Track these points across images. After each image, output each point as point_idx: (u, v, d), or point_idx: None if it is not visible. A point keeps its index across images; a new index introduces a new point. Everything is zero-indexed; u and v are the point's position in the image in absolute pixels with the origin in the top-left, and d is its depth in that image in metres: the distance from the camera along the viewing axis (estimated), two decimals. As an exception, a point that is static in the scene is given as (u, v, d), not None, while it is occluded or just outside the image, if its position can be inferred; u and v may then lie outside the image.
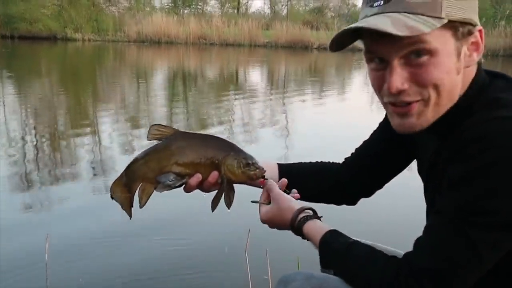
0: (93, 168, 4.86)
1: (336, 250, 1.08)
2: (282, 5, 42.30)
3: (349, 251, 1.06)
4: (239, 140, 6.31)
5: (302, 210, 1.17)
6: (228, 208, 1.22)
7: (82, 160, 5.15)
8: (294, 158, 5.39)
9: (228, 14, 37.92)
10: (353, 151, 1.46)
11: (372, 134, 1.39)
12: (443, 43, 0.93)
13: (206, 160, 1.20)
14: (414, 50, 0.93)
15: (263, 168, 1.22)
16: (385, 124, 1.34)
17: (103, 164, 5.05)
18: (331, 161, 1.49)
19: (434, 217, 0.99)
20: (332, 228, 1.13)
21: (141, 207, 1.26)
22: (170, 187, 1.21)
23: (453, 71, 0.96)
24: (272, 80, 15.54)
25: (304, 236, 1.17)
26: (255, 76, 16.61)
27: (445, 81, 0.96)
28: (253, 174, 1.20)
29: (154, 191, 1.24)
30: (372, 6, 0.96)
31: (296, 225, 1.16)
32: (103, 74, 15.36)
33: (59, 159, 5.25)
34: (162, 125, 1.24)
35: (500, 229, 0.92)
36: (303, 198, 1.25)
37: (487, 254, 0.93)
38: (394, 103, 0.99)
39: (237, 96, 10.84)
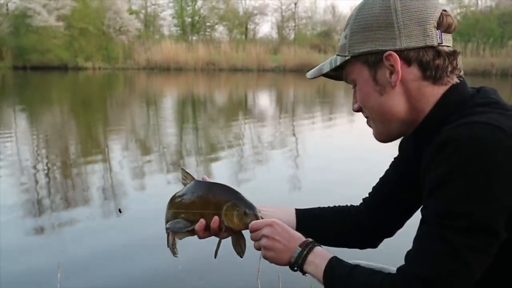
0: (105, 195, 4.88)
1: (339, 275, 1.11)
2: (290, 30, 42.80)
3: (351, 274, 1.10)
4: (249, 167, 6.32)
5: (311, 240, 1.20)
6: (241, 257, 1.27)
7: (93, 187, 5.17)
8: (305, 184, 5.38)
9: (236, 39, 38.38)
10: (370, 190, 1.44)
11: (386, 171, 1.40)
12: (358, 73, 1.14)
13: (209, 207, 1.28)
14: (347, 80, 1.19)
15: (261, 217, 1.24)
16: (398, 159, 1.37)
17: (114, 191, 5.06)
18: (349, 204, 1.48)
19: (419, 227, 1.04)
20: (334, 255, 1.16)
21: (169, 248, 1.37)
22: (178, 233, 1.32)
23: (373, 93, 1.13)
24: (281, 104, 15.62)
25: (306, 258, 1.16)
26: (264, 101, 16.71)
27: (369, 102, 1.15)
28: (249, 223, 1.23)
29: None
30: None
31: (310, 243, 1.17)
32: (114, 102, 15.54)
33: (70, 187, 5.28)
34: (185, 171, 1.39)
35: (478, 232, 0.94)
36: (322, 242, 1.25)
37: (472, 259, 0.95)
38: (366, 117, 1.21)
39: (246, 121, 10.89)
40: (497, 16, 33.51)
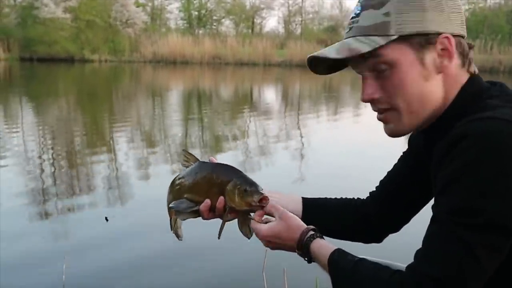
0: (110, 189, 4.90)
1: (343, 268, 1.08)
2: (296, 24, 42.67)
3: (356, 269, 1.06)
4: (254, 161, 6.32)
5: (310, 228, 1.17)
6: (248, 238, 1.24)
7: (99, 182, 5.18)
8: (310, 176, 5.39)
9: (242, 34, 38.30)
10: (377, 183, 1.42)
11: (395, 165, 1.38)
12: (401, 54, 1.04)
13: (213, 188, 1.24)
14: (376, 63, 1.06)
15: (263, 194, 1.20)
16: (407, 153, 1.35)
17: (119, 180, 5.08)
18: (356, 197, 1.46)
19: (430, 225, 1.00)
20: (338, 247, 1.13)
21: (172, 231, 1.38)
22: (182, 213, 1.29)
23: (418, 78, 1.05)
24: (287, 98, 15.61)
25: (309, 255, 1.14)
26: (270, 95, 16.69)
27: (409, 89, 1.05)
28: (251, 201, 1.19)
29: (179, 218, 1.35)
30: (345, 34, 1.13)
31: (304, 243, 1.14)
32: (120, 94, 15.56)
33: (77, 181, 5.30)
34: (188, 152, 1.35)
35: (493, 230, 0.92)
36: (327, 234, 1.22)
37: (485, 256, 0.93)
38: (376, 111, 1.12)
39: (252, 115, 10.89)
40: (505, 13, 33.29)
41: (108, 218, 3.91)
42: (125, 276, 3.02)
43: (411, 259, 1.01)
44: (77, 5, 31.64)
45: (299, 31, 41.00)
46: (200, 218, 1.29)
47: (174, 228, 1.37)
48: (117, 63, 29.78)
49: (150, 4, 40.29)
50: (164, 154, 6.71)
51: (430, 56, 1.04)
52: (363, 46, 1.05)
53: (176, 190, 1.34)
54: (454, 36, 1.04)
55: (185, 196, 1.29)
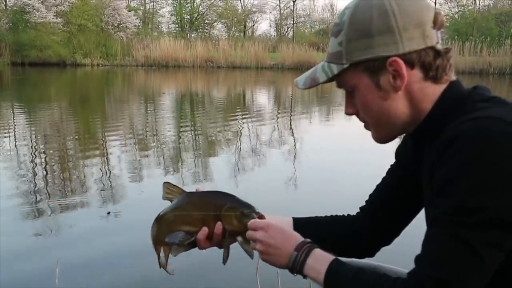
0: (102, 192, 4.89)
1: (344, 276, 1.09)
2: (288, 28, 42.78)
3: (355, 278, 1.07)
4: (246, 162, 6.33)
5: (308, 240, 1.18)
6: (252, 257, 1.25)
7: (91, 185, 5.17)
8: (301, 179, 5.41)
9: (234, 37, 38.36)
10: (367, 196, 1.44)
11: (383, 178, 1.39)
12: (358, 79, 1.11)
13: (208, 215, 1.25)
14: (343, 86, 1.16)
15: (259, 213, 1.23)
16: (395, 165, 1.36)
17: (113, 188, 5.07)
18: (346, 214, 1.47)
19: (429, 227, 1.02)
20: (336, 257, 1.14)
21: (163, 267, 1.35)
22: (180, 246, 1.28)
23: (376, 99, 1.11)
24: (279, 101, 15.63)
25: (303, 263, 1.14)
26: (263, 98, 16.71)
27: (372, 109, 1.13)
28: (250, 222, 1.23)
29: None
30: None
31: (306, 247, 1.15)
32: (112, 98, 15.52)
33: (69, 185, 5.28)
34: (171, 184, 1.32)
35: (492, 226, 0.93)
36: None
37: (487, 254, 0.94)
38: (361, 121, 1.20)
39: (244, 118, 10.89)
40: (494, 15, 33.61)
41: (110, 213, 4.12)
42: (117, 271, 3.04)
43: (406, 265, 1.02)
44: (69, 10, 31.55)
45: (291, 34, 41.12)
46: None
47: (164, 263, 1.35)
48: (109, 67, 29.68)
49: (142, 8, 40.28)
50: (155, 156, 6.71)
51: (385, 79, 1.09)
52: (321, 76, 1.15)
53: (165, 225, 1.31)
54: (407, 54, 1.05)
55: (178, 228, 1.28)
